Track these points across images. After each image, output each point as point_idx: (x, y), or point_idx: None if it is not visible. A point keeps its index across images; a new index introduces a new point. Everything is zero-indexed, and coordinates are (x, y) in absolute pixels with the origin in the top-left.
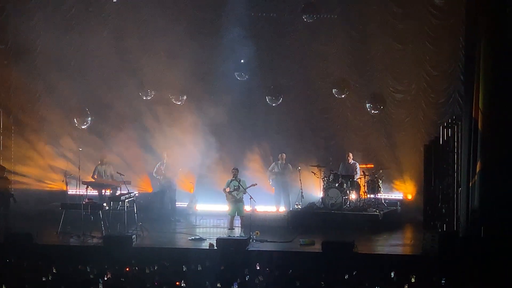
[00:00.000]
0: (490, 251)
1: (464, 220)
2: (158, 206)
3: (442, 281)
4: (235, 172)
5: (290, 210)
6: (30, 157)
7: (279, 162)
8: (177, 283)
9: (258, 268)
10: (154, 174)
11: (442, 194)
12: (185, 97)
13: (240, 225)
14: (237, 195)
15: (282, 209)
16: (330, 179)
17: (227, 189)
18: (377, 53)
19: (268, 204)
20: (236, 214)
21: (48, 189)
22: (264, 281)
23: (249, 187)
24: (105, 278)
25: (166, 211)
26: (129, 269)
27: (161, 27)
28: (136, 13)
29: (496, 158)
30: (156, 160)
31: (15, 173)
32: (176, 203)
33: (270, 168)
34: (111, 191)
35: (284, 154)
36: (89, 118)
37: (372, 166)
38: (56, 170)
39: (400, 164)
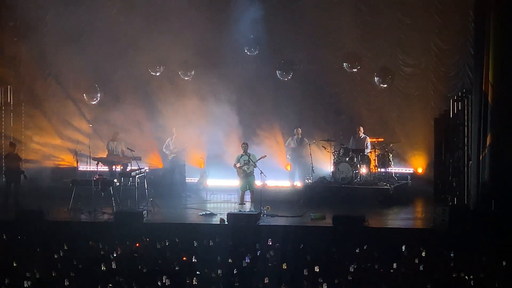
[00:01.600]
0: (500, 224)
1: (475, 194)
2: (168, 182)
3: (451, 255)
4: (245, 147)
5: (301, 185)
6: (40, 134)
7: (295, 137)
8: (184, 258)
9: (269, 243)
10: (164, 150)
11: (452, 167)
12: (193, 72)
13: (250, 200)
14: (247, 169)
15: (298, 184)
16: (341, 153)
17: (238, 165)
18: (386, 27)
19: (280, 179)
20: (248, 188)
21: (58, 165)
22: (275, 255)
23: (258, 159)
24: (115, 255)
25: (176, 186)
26: (139, 245)
27: (170, 2)
28: None
29: (506, 131)
30: (166, 136)
31: (25, 150)
32: (186, 178)
33: (286, 144)
34: (121, 167)
35: (299, 129)
36: (99, 94)
37: (383, 140)
38: (66, 146)
39: (410, 137)
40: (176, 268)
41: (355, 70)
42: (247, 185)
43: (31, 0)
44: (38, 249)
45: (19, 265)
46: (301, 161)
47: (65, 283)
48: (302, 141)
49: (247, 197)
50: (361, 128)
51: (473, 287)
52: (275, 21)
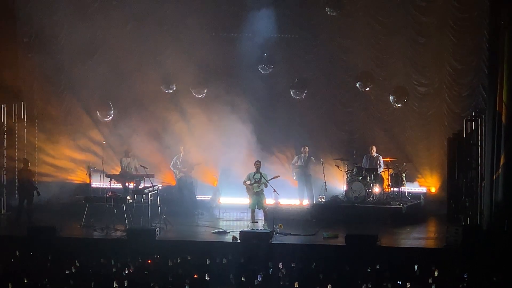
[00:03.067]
0: None
1: (488, 214)
2: (178, 200)
3: (465, 276)
4: (258, 165)
5: (314, 203)
6: (53, 150)
7: (302, 155)
8: (195, 275)
9: (281, 263)
10: (171, 167)
11: (465, 187)
12: (205, 91)
13: (263, 218)
14: (258, 187)
15: (306, 202)
16: (354, 172)
17: (247, 182)
18: (400, 46)
19: (291, 197)
20: (257, 207)
21: (71, 182)
22: (288, 274)
23: (271, 179)
24: (127, 272)
25: (187, 204)
26: (151, 262)
27: (184, 20)
28: (159, 7)
29: None
30: (177, 153)
31: (39, 166)
32: (198, 196)
33: (293, 162)
34: (134, 184)
35: (306, 147)
36: (112, 111)
37: (396, 159)
38: (79, 163)
39: (423, 157)
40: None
41: (368, 89)
42: (257, 203)
43: (45, 17)
44: (50, 265)
45: (31, 281)
46: (308, 179)
47: None
48: (309, 160)
49: (260, 215)
50: (374, 147)
51: None
52: (288, 40)
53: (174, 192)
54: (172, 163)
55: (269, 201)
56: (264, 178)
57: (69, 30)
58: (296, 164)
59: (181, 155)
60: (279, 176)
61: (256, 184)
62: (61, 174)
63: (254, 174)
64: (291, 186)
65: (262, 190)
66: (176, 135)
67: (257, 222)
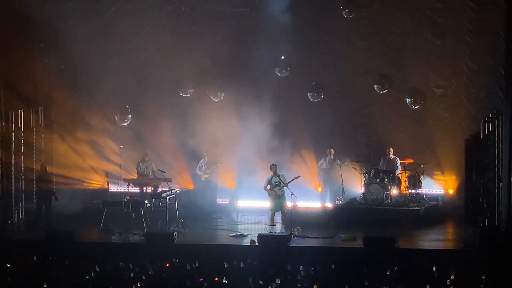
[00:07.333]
0: None
1: (506, 214)
2: (200, 203)
3: (483, 277)
4: (274, 168)
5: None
6: (71, 155)
7: (327, 158)
8: (216, 278)
9: (299, 264)
10: (197, 171)
11: (483, 188)
12: (223, 94)
13: (281, 221)
14: (279, 190)
15: (329, 205)
16: (371, 175)
17: (268, 187)
18: (416, 48)
19: (311, 200)
20: (278, 209)
21: (89, 187)
22: (306, 277)
23: (291, 180)
24: (145, 276)
25: (207, 208)
26: (169, 265)
27: (200, 24)
28: (175, 10)
29: None
30: (195, 157)
31: (57, 171)
32: (218, 200)
33: (318, 165)
34: (152, 189)
35: (332, 150)
36: (130, 116)
37: (413, 161)
38: (97, 168)
39: (441, 159)
40: None
41: (385, 91)
42: (279, 206)
43: (61, 22)
44: (68, 270)
45: (50, 286)
46: (333, 182)
47: None
48: (334, 162)
49: (278, 218)
50: (391, 149)
51: None
52: (305, 43)
53: (195, 195)
54: (198, 167)
55: (287, 203)
56: (282, 181)
57: (85, 34)
58: (322, 167)
59: (206, 159)
60: (299, 176)
61: (277, 187)
62: (79, 179)
63: (272, 178)
64: (310, 189)
65: (283, 192)
66: (194, 139)
67: (275, 225)
